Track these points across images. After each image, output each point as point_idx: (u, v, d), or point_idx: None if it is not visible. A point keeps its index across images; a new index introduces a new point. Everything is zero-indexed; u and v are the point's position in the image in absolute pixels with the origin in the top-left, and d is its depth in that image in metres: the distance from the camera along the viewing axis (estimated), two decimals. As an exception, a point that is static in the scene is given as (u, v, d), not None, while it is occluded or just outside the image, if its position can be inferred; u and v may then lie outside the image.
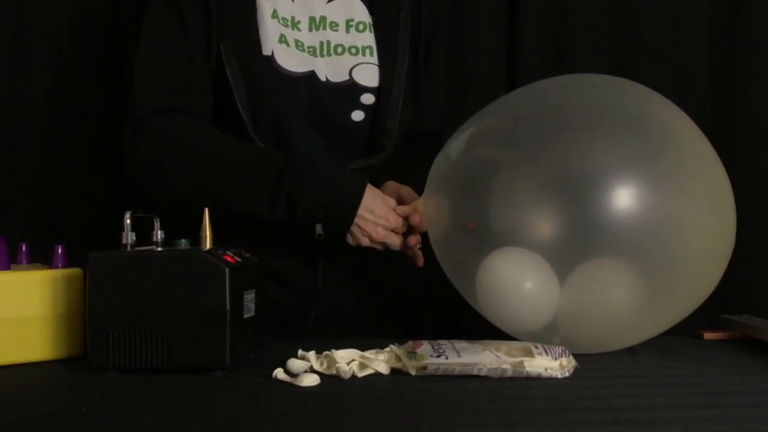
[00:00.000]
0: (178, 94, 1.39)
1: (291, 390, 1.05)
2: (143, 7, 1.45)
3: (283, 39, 1.41)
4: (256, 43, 1.40)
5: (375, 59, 1.45)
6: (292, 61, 1.41)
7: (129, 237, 1.16)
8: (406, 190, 1.39)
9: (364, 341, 1.20)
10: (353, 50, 1.45)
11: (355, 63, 1.44)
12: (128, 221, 1.16)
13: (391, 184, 1.41)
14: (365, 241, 1.35)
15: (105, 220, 1.76)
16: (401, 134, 1.47)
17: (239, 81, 1.39)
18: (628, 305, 1.18)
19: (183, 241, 1.18)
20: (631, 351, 1.27)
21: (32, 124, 1.79)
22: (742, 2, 1.86)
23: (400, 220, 1.35)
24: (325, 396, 1.03)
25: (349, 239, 1.36)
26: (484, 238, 1.19)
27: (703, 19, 1.87)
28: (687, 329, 1.43)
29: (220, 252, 1.15)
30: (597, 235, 1.13)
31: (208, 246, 1.17)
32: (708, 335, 1.39)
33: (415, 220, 1.33)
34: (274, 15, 1.42)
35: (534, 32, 1.88)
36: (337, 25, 1.45)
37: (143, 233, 1.18)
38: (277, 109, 1.40)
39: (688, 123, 1.25)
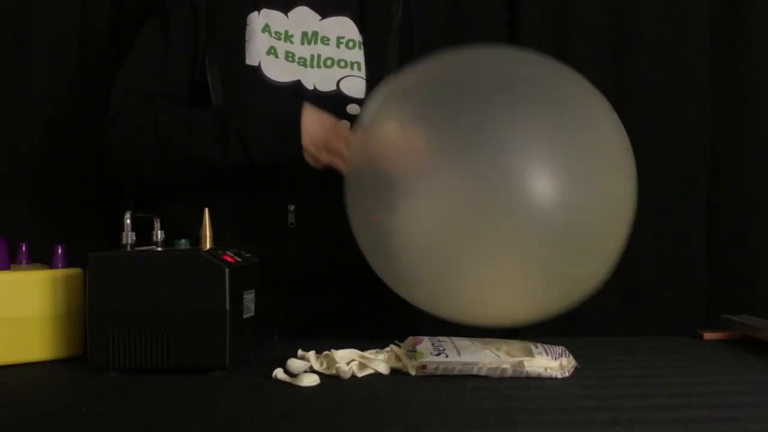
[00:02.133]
0: (150, 96, 1.44)
1: (291, 390, 1.05)
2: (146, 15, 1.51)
3: (272, 51, 1.44)
4: (240, 52, 1.43)
5: (363, 74, 1.48)
6: (278, 72, 1.44)
7: (129, 237, 1.16)
8: None
9: (364, 341, 1.20)
10: (342, 63, 1.47)
11: (344, 75, 1.47)
12: (128, 221, 1.16)
13: None
14: (323, 155, 1.31)
15: (105, 220, 1.76)
16: None
17: (218, 89, 1.43)
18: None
19: (183, 241, 1.18)
20: (632, 351, 1.28)
21: (32, 125, 1.79)
22: (742, 2, 1.86)
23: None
24: (325, 396, 1.03)
25: (309, 158, 1.33)
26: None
27: (703, 19, 1.86)
28: (687, 329, 1.44)
29: (220, 252, 1.15)
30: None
31: (208, 246, 1.17)
32: (708, 335, 1.39)
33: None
34: (266, 29, 1.45)
35: (534, 32, 1.88)
36: (328, 39, 1.48)
37: (143, 233, 1.18)
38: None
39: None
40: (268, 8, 1.47)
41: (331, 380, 1.09)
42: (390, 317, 1.46)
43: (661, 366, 1.19)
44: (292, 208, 1.43)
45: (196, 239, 1.18)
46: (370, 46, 1.49)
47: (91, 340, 1.14)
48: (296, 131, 1.32)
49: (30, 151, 1.79)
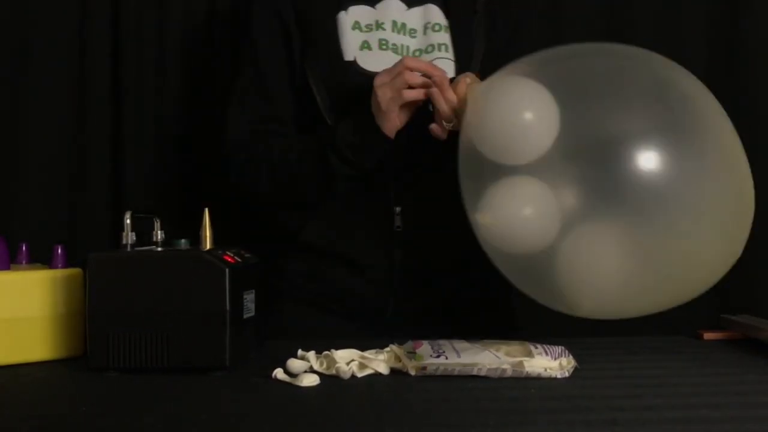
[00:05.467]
0: (263, 123, 1.49)
1: (291, 390, 1.05)
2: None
3: (365, 45, 1.46)
4: (337, 51, 1.46)
5: (451, 55, 1.48)
6: (374, 62, 1.44)
7: (129, 237, 1.16)
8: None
9: (364, 341, 1.20)
10: (429, 48, 1.48)
11: (433, 58, 1.47)
12: (128, 221, 1.16)
13: None
14: (390, 104, 1.33)
15: (105, 220, 1.76)
16: None
17: (322, 90, 1.45)
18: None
19: (183, 241, 1.18)
20: (632, 351, 1.28)
21: (32, 125, 1.79)
22: (739, 1, 1.86)
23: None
24: (325, 396, 1.03)
25: (390, 122, 1.35)
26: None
27: (699, 18, 1.86)
28: (687, 329, 1.43)
29: (220, 252, 1.15)
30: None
31: (208, 246, 1.17)
32: (708, 335, 1.39)
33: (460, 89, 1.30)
34: (355, 26, 1.48)
35: (528, 30, 1.88)
36: (415, 31, 1.50)
37: (143, 233, 1.18)
38: (366, 105, 1.41)
39: (711, 98, 1.28)
40: (354, 4, 1.49)
41: (331, 380, 1.09)
42: (492, 313, 1.52)
43: (661, 366, 1.19)
44: (398, 210, 1.44)
45: (196, 239, 1.18)
46: (455, 28, 1.50)
47: (91, 340, 1.14)
48: (371, 117, 1.36)
49: (30, 152, 1.79)
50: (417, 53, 1.48)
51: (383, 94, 1.34)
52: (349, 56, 1.46)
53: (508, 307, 1.56)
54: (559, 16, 1.87)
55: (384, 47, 1.47)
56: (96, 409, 0.99)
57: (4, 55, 1.78)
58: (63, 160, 1.80)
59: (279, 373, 1.10)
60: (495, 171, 1.19)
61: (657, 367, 1.18)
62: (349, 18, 1.48)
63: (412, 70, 1.33)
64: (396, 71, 1.34)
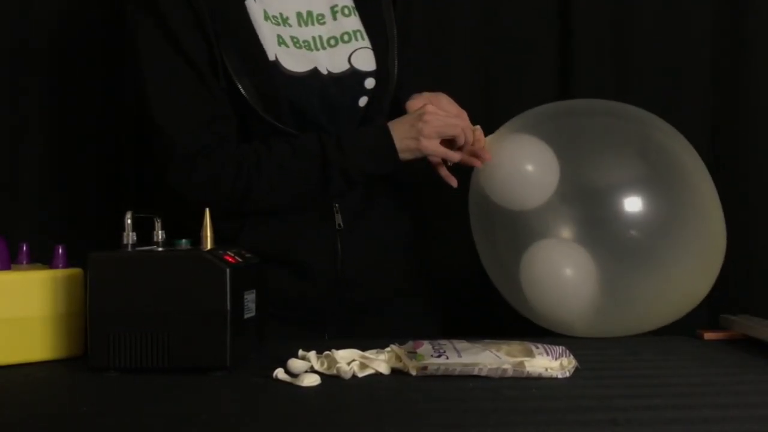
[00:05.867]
0: (207, 128, 1.39)
1: (291, 390, 1.05)
2: (130, 30, 1.43)
3: (281, 40, 1.42)
4: (261, 51, 1.41)
5: (367, 43, 1.47)
6: (293, 62, 1.42)
7: (129, 237, 1.16)
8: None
9: (364, 341, 1.20)
10: (345, 37, 1.46)
11: (352, 49, 1.45)
12: (129, 221, 1.16)
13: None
14: (429, 145, 1.38)
15: (105, 220, 1.76)
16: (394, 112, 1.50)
17: (247, 84, 1.39)
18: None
19: (183, 241, 1.18)
20: (632, 351, 1.28)
21: (32, 125, 1.79)
22: (744, 1, 1.86)
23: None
24: (325, 396, 1.03)
25: (417, 152, 1.39)
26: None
27: (704, 17, 1.86)
28: (687, 329, 1.43)
29: (220, 252, 1.15)
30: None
31: (208, 246, 1.17)
32: (708, 335, 1.39)
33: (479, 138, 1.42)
34: (266, 16, 1.43)
35: (535, 30, 1.88)
36: (323, 16, 1.46)
37: (144, 233, 1.18)
38: (296, 104, 1.41)
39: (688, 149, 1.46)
40: None
41: (331, 380, 1.09)
42: (425, 319, 1.54)
43: (661, 366, 1.19)
44: (337, 207, 1.45)
45: (197, 239, 1.18)
46: (363, 9, 1.48)
47: (91, 340, 1.14)
48: (393, 151, 1.38)
49: (30, 152, 1.79)
50: (332, 42, 1.45)
51: (438, 128, 1.38)
52: (270, 55, 1.40)
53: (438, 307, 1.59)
54: (566, 17, 1.87)
55: (297, 45, 1.43)
56: (96, 409, 0.99)
57: (4, 55, 1.78)
58: (63, 159, 1.80)
59: (280, 373, 1.10)
60: (504, 215, 1.40)
61: (657, 367, 1.18)
62: (257, 6, 1.42)
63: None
64: (465, 126, 1.40)
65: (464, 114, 1.43)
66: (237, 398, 1.02)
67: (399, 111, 1.48)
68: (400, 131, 1.38)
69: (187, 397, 1.03)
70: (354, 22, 1.47)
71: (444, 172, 1.45)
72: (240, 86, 1.39)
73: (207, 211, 1.19)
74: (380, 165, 1.40)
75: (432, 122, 1.37)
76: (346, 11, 1.47)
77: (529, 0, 1.88)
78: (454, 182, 1.45)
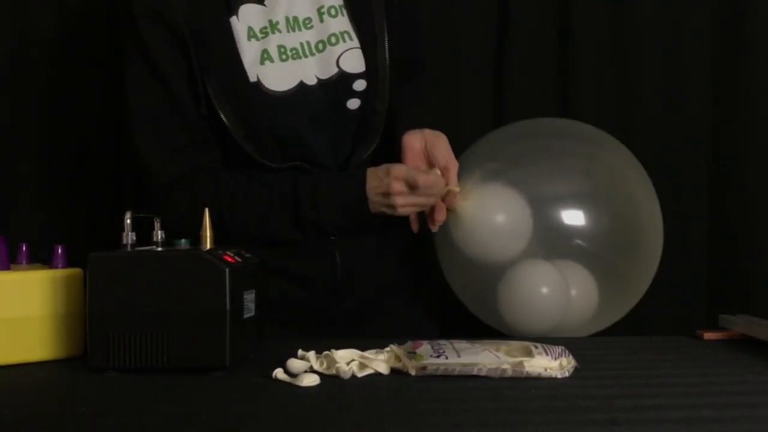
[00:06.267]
0: (181, 155, 1.40)
1: (291, 390, 1.05)
2: (122, 59, 1.43)
3: (265, 56, 1.40)
4: (240, 71, 1.39)
5: (356, 42, 1.44)
6: (277, 79, 1.40)
7: (129, 237, 1.16)
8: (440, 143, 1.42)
9: (365, 341, 1.20)
10: (333, 39, 1.43)
11: (340, 52, 1.43)
12: (128, 221, 1.16)
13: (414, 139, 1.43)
14: (400, 211, 1.37)
15: (105, 220, 1.76)
16: (385, 111, 1.47)
17: (227, 110, 1.39)
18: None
19: (183, 241, 1.18)
20: (632, 351, 1.28)
21: (32, 125, 1.79)
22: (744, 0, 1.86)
23: (402, 178, 1.36)
24: (325, 396, 1.03)
25: (384, 210, 1.38)
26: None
27: (704, 15, 1.86)
28: (687, 329, 1.43)
29: (220, 252, 1.15)
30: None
31: (208, 246, 1.17)
32: (708, 335, 1.39)
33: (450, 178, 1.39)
34: (251, 34, 1.40)
35: (534, 28, 1.88)
36: (310, 20, 1.43)
37: (143, 233, 1.18)
38: (277, 130, 1.40)
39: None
40: (244, 3, 1.40)
41: (331, 380, 1.09)
42: (433, 319, 1.57)
43: (661, 366, 1.19)
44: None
45: (196, 239, 1.18)
46: (352, 7, 1.45)
47: (91, 340, 1.14)
48: (367, 211, 1.37)
49: (30, 152, 1.80)
50: (320, 46, 1.42)
51: (408, 207, 1.37)
52: (252, 76, 1.38)
53: (437, 311, 1.59)
54: (564, 15, 1.87)
55: (284, 57, 1.40)
56: (96, 409, 0.99)
57: (4, 55, 1.78)
58: (63, 159, 1.80)
59: (279, 373, 1.10)
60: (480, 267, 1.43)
61: (657, 367, 1.18)
62: (241, 25, 1.39)
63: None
64: (428, 195, 1.37)
65: (440, 179, 1.38)
66: (237, 398, 1.02)
67: (391, 144, 1.45)
68: (375, 178, 1.37)
69: (187, 397, 1.03)
70: (341, 23, 1.44)
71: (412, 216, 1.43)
72: (220, 112, 1.39)
73: (207, 211, 1.19)
74: (351, 223, 1.39)
75: (399, 203, 1.36)
76: (333, 11, 1.44)
77: (528, 0, 1.88)
78: (415, 228, 1.43)
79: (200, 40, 1.38)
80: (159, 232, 1.19)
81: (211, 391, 1.05)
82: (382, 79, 1.45)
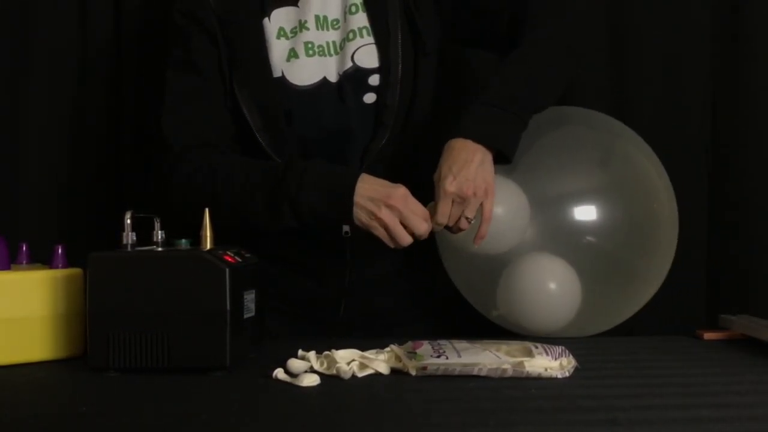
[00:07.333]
0: (202, 132, 1.45)
1: (291, 390, 1.05)
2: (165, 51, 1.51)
3: (292, 54, 1.45)
4: (265, 68, 1.44)
5: (372, 38, 1.47)
6: (302, 74, 1.44)
7: (129, 237, 1.16)
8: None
9: (365, 341, 1.20)
10: (351, 35, 1.46)
11: (356, 47, 1.46)
12: (128, 221, 1.16)
13: None
14: (374, 225, 1.32)
15: (105, 220, 1.76)
16: (404, 107, 1.47)
17: (253, 110, 1.44)
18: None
19: (183, 241, 1.18)
20: (632, 351, 1.28)
21: (32, 125, 1.79)
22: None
23: (402, 198, 1.32)
24: (325, 396, 1.03)
25: (363, 217, 1.32)
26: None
27: (703, 12, 1.86)
28: (687, 329, 1.43)
29: (220, 252, 1.15)
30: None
31: (208, 246, 1.17)
32: (708, 335, 1.39)
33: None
34: (281, 34, 1.46)
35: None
36: (338, 21, 1.48)
37: (143, 233, 1.18)
38: (294, 121, 1.44)
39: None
40: (277, 7, 1.47)
41: (331, 380, 1.09)
42: (438, 317, 1.56)
43: (661, 366, 1.19)
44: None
45: (197, 239, 1.18)
46: (371, 5, 1.48)
47: (91, 340, 1.14)
48: (349, 202, 1.31)
49: (30, 152, 1.79)
50: (342, 44, 1.46)
51: (377, 210, 1.31)
52: (276, 71, 1.44)
53: (449, 312, 1.59)
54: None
55: (310, 53, 1.45)
56: (96, 409, 0.99)
57: (4, 55, 1.78)
58: (63, 159, 1.80)
59: (279, 373, 1.10)
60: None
61: (657, 367, 1.18)
62: (273, 26, 1.46)
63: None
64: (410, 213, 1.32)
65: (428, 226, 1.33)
66: (237, 398, 1.02)
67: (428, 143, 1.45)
68: (370, 184, 1.33)
69: (187, 397, 1.03)
70: (360, 19, 1.47)
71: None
72: (240, 102, 1.44)
73: (206, 211, 1.19)
74: (327, 211, 1.33)
75: (396, 209, 1.32)
76: (354, 9, 1.48)
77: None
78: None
79: (230, 38, 1.45)
80: (159, 232, 1.19)
81: (211, 391, 1.05)
82: (393, 75, 1.46)
